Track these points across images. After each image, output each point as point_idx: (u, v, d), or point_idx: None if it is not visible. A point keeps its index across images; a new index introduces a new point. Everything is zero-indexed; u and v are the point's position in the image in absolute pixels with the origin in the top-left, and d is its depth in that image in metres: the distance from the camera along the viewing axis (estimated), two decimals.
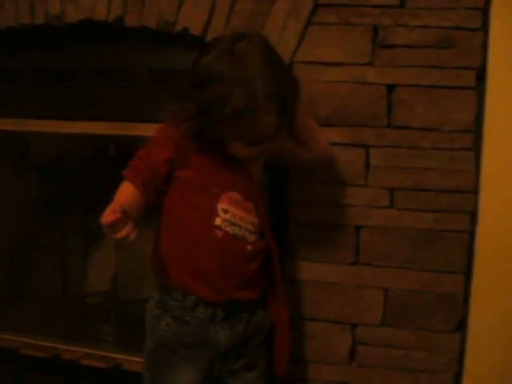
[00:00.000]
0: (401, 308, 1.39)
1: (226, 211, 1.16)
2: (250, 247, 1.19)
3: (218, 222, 1.15)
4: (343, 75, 1.37)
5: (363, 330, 1.42)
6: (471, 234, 1.35)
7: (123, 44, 1.53)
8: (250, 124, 1.08)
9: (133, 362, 1.58)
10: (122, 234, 1.05)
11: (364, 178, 1.37)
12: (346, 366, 1.42)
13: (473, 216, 1.35)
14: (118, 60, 1.55)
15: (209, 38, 1.41)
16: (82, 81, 1.57)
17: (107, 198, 1.76)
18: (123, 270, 1.85)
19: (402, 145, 1.36)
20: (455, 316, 1.38)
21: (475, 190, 1.34)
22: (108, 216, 1.04)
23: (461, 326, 1.38)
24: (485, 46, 1.33)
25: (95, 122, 1.57)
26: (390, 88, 1.36)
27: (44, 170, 1.90)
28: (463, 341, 1.39)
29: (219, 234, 1.15)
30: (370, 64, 1.36)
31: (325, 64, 1.36)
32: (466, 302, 1.38)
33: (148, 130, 1.50)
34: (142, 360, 1.47)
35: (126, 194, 1.14)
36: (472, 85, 1.32)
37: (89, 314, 1.85)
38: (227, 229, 1.16)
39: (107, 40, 1.55)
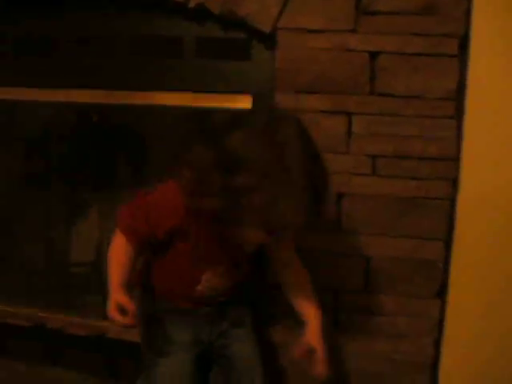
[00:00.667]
0: (382, 275, 1.43)
1: (208, 281, 1.26)
2: (222, 299, 1.32)
3: (198, 287, 1.26)
4: (326, 42, 1.39)
5: (345, 296, 1.43)
6: (452, 201, 1.36)
7: (105, 10, 1.52)
8: (280, 215, 1.01)
9: (117, 330, 1.60)
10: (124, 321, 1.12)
11: (346, 146, 1.39)
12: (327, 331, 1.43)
13: (454, 183, 1.36)
14: (100, 27, 1.54)
15: (192, 4, 1.41)
16: (64, 48, 1.56)
17: (91, 167, 1.79)
18: (108, 240, 1.86)
19: (385, 112, 1.38)
20: (435, 282, 1.41)
21: (457, 158, 1.35)
22: (117, 317, 1.12)
23: (441, 292, 1.40)
24: (468, 13, 1.32)
25: (79, 90, 1.57)
26: (373, 55, 1.38)
27: (28, 141, 1.90)
28: (443, 307, 1.40)
29: (197, 294, 1.28)
30: (353, 31, 1.38)
31: (308, 31, 1.37)
32: (446, 269, 1.39)
33: (131, 98, 1.52)
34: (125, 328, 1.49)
35: (122, 256, 1.21)
36: (455, 53, 1.34)
37: (73, 284, 1.87)
38: (204, 290, 1.27)
39: (89, 7, 1.54)
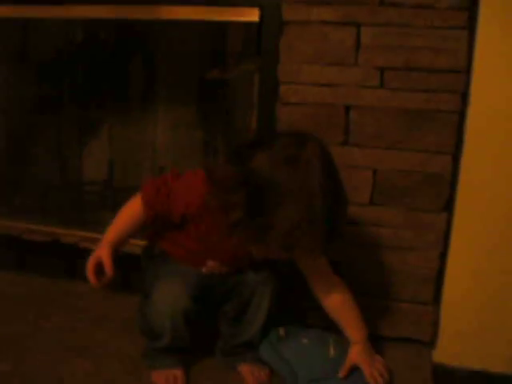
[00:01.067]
0: (389, 188, 1.45)
1: (212, 266, 1.31)
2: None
3: (204, 269, 1.32)
4: None
5: (352, 209, 1.45)
6: (461, 114, 1.36)
7: None
8: (299, 239, 1.05)
9: (130, 244, 1.65)
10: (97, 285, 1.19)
11: (354, 58, 1.39)
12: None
13: (463, 97, 1.35)
14: None
15: None
16: None
17: (103, 87, 1.80)
18: (119, 158, 1.90)
19: (394, 23, 1.36)
20: (442, 196, 1.43)
21: (467, 70, 1.34)
22: (92, 275, 1.19)
23: (448, 205, 1.42)
24: None
25: (86, 6, 1.57)
26: None
27: (39, 60, 1.92)
28: (450, 220, 1.42)
29: (203, 269, 1.32)
30: None
31: None
32: (453, 183, 1.40)
33: (139, 12, 1.51)
34: (138, 243, 1.55)
35: (127, 216, 1.27)
36: None
37: (87, 201, 1.92)
38: (209, 272, 1.32)
39: None
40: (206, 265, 1.30)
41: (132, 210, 1.24)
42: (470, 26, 1.35)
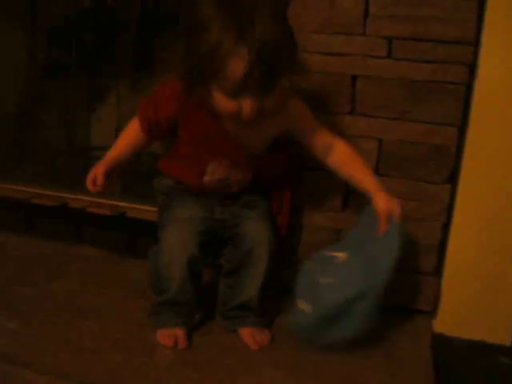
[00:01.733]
0: (394, 158, 1.47)
1: (213, 172, 1.34)
2: (235, 189, 1.38)
3: (205, 178, 1.35)
4: None
5: None
6: (468, 86, 1.37)
7: None
8: (220, 64, 1.08)
9: (136, 209, 1.70)
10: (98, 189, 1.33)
11: (362, 27, 1.40)
12: (340, 213, 1.49)
13: (471, 68, 1.36)
14: None
15: None
16: None
17: (108, 53, 1.82)
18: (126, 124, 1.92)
19: None
20: (447, 167, 1.44)
21: (475, 42, 1.35)
22: (91, 185, 1.34)
23: (452, 177, 1.43)
24: None
25: None
26: None
27: (46, 27, 1.94)
28: (454, 192, 1.44)
29: (206, 179, 1.36)
30: None
31: None
32: (458, 155, 1.41)
33: None
34: (145, 207, 1.59)
35: (127, 137, 1.39)
36: None
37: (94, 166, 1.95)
38: (212, 181, 1.35)
39: None
40: (206, 173, 1.33)
41: (130, 128, 1.36)
42: None
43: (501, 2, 1.36)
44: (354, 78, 1.43)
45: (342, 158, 1.33)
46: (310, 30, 1.41)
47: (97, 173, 1.31)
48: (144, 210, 1.66)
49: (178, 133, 1.31)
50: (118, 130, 1.86)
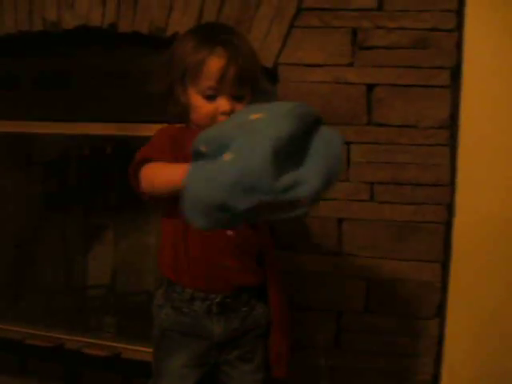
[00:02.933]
0: (383, 296, 1.53)
1: None
2: (230, 232, 1.24)
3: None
4: (325, 76, 1.51)
5: (347, 317, 1.55)
6: (448, 224, 1.47)
7: (118, 48, 1.66)
8: (200, 62, 1.19)
9: (132, 350, 1.73)
10: None
11: (345, 173, 1.50)
12: (332, 351, 1.54)
13: (449, 208, 1.46)
14: (113, 63, 1.68)
15: None
16: (79, 84, 1.70)
17: (105, 193, 1.92)
18: (122, 263, 1.99)
19: (381, 141, 1.50)
20: (434, 302, 1.51)
21: (451, 183, 1.46)
22: None
23: (439, 311, 1.50)
24: (459, 46, 1.44)
25: (93, 123, 1.71)
26: (370, 87, 1.50)
27: (46, 169, 2.05)
28: (442, 326, 1.50)
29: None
30: (350, 65, 1.50)
31: (307, 65, 1.50)
32: (443, 289, 1.49)
33: (143, 130, 1.65)
34: (140, 349, 1.62)
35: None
36: (447, 83, 1.46)
37: (90, 305, 2.00)
38: None
39: (103, 44, 1.68)
40: None
41: (152, 167, 1.22)
42: (452, 143, 1.45)
43: (472, 146, 1.51)
44: (340, 221, 1.51)
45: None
46: None
47: None
48: (140, 351, 1.68)
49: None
50: (114, 269, 1.93)
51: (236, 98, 1.22)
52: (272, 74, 1.53)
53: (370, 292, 1.53)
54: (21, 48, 1.77)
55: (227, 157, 0.91)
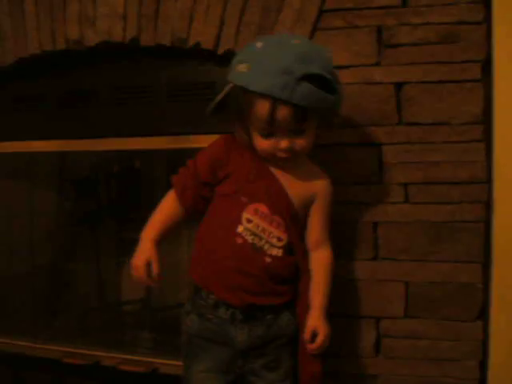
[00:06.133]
0: (422, 299, 1.49)
1: (249, 221, 1.26)
2: (268, 260, 1.26)
3: (240, 229, 1.25)
4: (352, 77, 1.48)
5: (387, 322, 1.52)
6: (487, 223, 1.42)
7: (140, 61, 1.65)
8: (246, 105, 1.20)
9: (169, 365, 1.71)
10: (147, 282, 1.29)
11: (378, 176, 1.47)
12: (372, 358, 1.50)
13: (487, 206, 1.42)
14: (136, 77, 1.68)
15: (220, 51, 1.53)
16: (104, 100, 1.70)
17: (136, 207, 1.92)
18: None
19: (413, 141, 1.46)
20: (476, 304, 1.46)
21: (488, 180, 1.42)
22: (136, 272, 1.29)
23: (482, 314, 1.46)
24: (488, 38, 1.39)
25: (120, 139, 1.70)
26: (398, 86, 1.47)
27: (78, 186, 2.06)
28: (486, 328, 1.45)
29: (239, 240, 1.25)
30: (377, 64, 1.47)
31: (334, 67, 1.46)
32: (485, 291, 1.44)
33: (171, 143, 1.64)
34: (177, 363, 1.60)
35: (165, 209, 1.33)
36: (478, 77, 1.42)
37: (126, 321, 1.99)
38: (247, 237, 1.25)
39: (125, 58, 1.68)
40: (241, 222, 1.27)
41: (165, 202, 1.32)
42: (486, 139, 1.41)
43: (508, 142, 1.44)
44: (375, 225, 1.48)
45: (318, 263, 1.33)
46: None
47: (150, 256, 1.26)
48: (177, 366, 1.66)
49: (214, 197, 1.31)
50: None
51: (296, 132, 1.22)
52: None
53: (409, 296, 1.50)
54: (46, 68, 1.79)
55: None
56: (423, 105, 1.44)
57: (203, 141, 1.52)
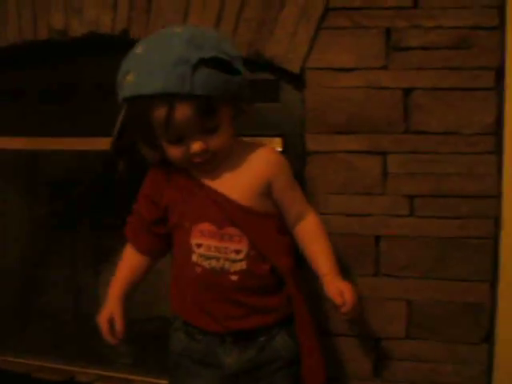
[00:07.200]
0: (425, 320, 1.41)
1: (199, 245, 1.16)
2: (234, 277, 1.16)
3: (194, 258, 1.16)
4: (357, 80, 1.40)
5: (387, 343, 1.44)
6: (495, 240, 1.34)
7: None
8: (146, 117, 1.08)
9: (149, 383, 1.59)
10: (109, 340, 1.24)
11: (382, 186, 1.39)
12: (370, 381, 1.42)
13: (496, 222, 1.34)
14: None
15: None
16: (87, 96, 1.59)
17: (115, 214, 1.80)
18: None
19: (421, 150, 1.38)
20: (482, 326, 1.39)
21: (498, 195, 1.34)
22: (107, 336, 1.24)
23: (488, 336, 1.38)
24: (502, 44, 1.32)
25: (102, 138, 1.58)
26: (407, 92, 1.39)
27: (53, 188, 1.93)
28: (491, 352, 1.37)
29: (198, 270, 1.16)
30: (385, 68, 1.39)
31: (338, 69, 1.38)
32: (492, 312, 1.36)
33: None
34: (158, 381, 1.50)
35: (126, 263, 1.28)
36: (491, 85, 1.34)
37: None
38: (203, 263, 1.16)
39: (113, 52, 1.56)
40: (191, 248, 1.18)
41: (126, 256, 1.27)
42: (498, 151, 1.33)
43: None
44: (378, 239, 1.41)
45: (307, 232, 1.22)
46: (328, 192, 1.39)
47: (112, 312, 1.22)
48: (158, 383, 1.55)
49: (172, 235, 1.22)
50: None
51: (207, 131, 1.10)
52: (299, 80, 1.39)
53: (411, 316, 1.43)
54: (25, 59, 1.67)
55: None
56: (432, 113, 1.36)
57: None
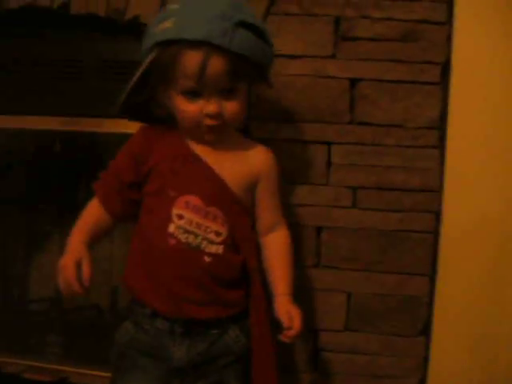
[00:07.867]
0: (364, 312, 1.41)
1: (180, 217, 1.11)
2: (208, 259, 1.12)
3: (171, 228, 1.11)
4: (304, 68, 1.38)
5: (325, 335, 1.43)
6: (435, 234, 1.35)
7: (71, 32, 1.47)
8: (177, 58, 1.05)
9: (81, 374, 1.54)
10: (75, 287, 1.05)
11: (325, 177, 1.39)
12: (307, 373, 1.40)
13: (437, 216, 1.34)
14: (65, 50, 1.50)
15: None
16: (26, 73, 1.52)
17: (52, 197, 1.73)
18: None
19: (365, 142, 1.38)
20: (420, 319, 1.40)
21: (440, 189, 1.34)
22: (63, 273, 1.05)
23: (425, 329, 1.38)
24: (449, 40, 1.32)
25: (41, 117, 1.52)
26: (353, 82, 1.38)
27: None
28: (428, 344, 1.38)
29: (172, 242, 1.10)
30: (332, 57, 1.37)
31: (284, 56, 1.35)
32: (430, 305, 1.37)
33: (97, 125, 1.47)
34: (90, 372, 1.44)
35: (90, 216, 1.16)
36: (437, 80, 1.35)
37: (32, 322, 1.80)
38: (180, 237, 1.10)
39: (53, 28, 1.50)
40: (172, 219, 1.12)
41: (92, 210, 1.17)
42: (441, 145, 1.34)
43: (460, 149, 1.41)
44: (319, 230, 1.40)
45: (275, 246, 1.21)
46: None
47: (81, 256, 1.06)
48: (90, 375, 1.50)
49: (143, 199, 1.16)
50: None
51: (226, 93, 1.08)
52: None
53: (350, 308, 1.42)
54: None
55: None
56: (378, 104, 1.36)
57: (130, 126, 1.33)
